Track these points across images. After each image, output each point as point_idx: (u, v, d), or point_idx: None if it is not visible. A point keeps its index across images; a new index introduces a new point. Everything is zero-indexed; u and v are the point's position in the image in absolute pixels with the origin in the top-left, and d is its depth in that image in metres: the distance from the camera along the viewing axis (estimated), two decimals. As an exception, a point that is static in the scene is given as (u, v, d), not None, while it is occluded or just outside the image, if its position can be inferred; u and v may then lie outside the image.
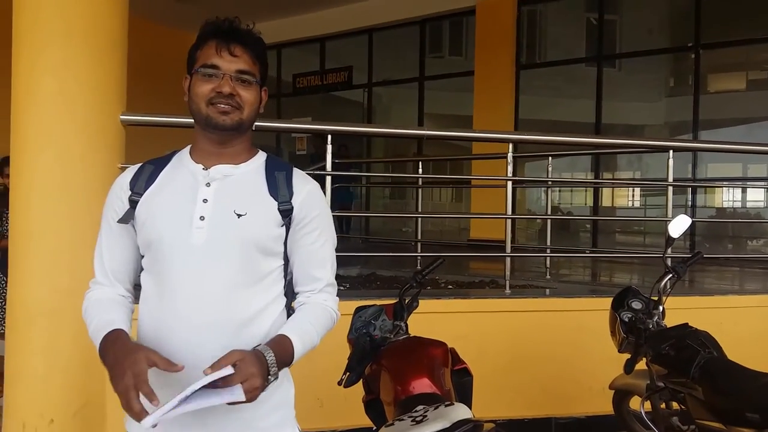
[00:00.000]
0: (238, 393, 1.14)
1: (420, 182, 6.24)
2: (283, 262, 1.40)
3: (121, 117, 3.27)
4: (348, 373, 2.27)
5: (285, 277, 1.42)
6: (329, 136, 3.62)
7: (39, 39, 3.03)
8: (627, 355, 2.57)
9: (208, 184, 1.35)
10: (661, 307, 2.53)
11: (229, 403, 1.15)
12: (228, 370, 1.14)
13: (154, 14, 9.89)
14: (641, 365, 2.56)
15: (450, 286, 4.42)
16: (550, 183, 5.92)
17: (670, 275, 2.55)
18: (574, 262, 6.35)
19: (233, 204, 1.33)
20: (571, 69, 8.90)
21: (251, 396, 1.17)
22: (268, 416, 1.37)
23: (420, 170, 6.07)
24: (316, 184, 1.44)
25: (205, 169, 1.38)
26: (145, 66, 8.28)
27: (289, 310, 1.44)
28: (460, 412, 1.87)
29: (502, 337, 3.57)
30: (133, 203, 1.38)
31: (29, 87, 3.10)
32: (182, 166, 1.41)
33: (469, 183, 8.35)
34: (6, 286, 3.29)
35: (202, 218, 1.32)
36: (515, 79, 8.81)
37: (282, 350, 1.27)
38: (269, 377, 1.22)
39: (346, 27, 10.02)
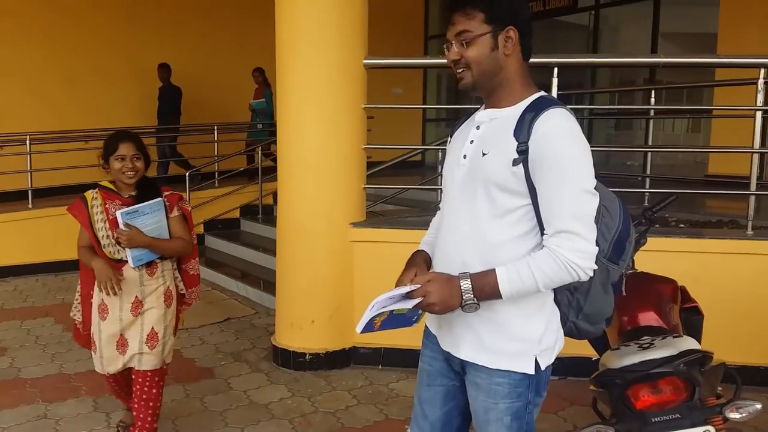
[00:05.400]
0: (414, 302, 1.43)
1: (652, 113, 5.83)
2: (530, 202, 1.43)
3: (365, 61, 3.59)
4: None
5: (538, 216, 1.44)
6: (555, 69, 3.61)
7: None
8: None
9: (477, 127, 1.53)
10: None
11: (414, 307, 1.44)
12: (414, 287, 1.44)
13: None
14: None
15: (682, 225, 4.17)
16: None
17: None
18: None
19: (485, 144, 1.48)
20: None
21: (427, 308, 1.43)
22: (508, 343, 1.48)
23: (652, 100, 5.66)
24: (558, 126, 1.37)
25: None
26: (378, 9, 8.68)
27: None
28: (688, 342, 1.90)
29: (740, 281, 3.35)
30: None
31: (292, 33, 3.51)
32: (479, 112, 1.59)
33: (709, 113, 7.52)
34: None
35: (464, 156, 1.53)
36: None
37: (482, 280, 1.40)
38: (463, 299, 1.40)
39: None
